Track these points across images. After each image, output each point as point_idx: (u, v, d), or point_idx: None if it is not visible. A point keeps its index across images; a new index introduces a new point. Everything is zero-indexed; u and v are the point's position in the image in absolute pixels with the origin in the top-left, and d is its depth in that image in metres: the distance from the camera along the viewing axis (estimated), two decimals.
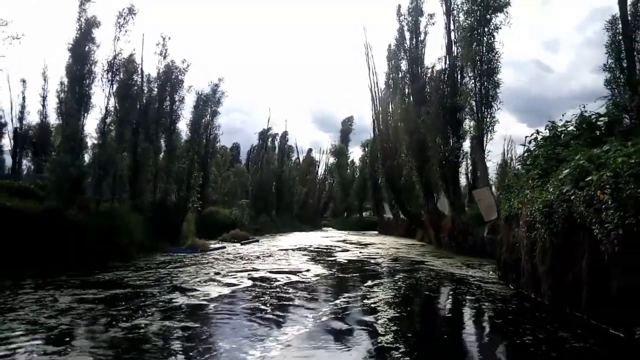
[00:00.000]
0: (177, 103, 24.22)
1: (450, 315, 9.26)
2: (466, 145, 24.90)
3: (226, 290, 10.58)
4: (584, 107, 11.61)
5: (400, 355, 5.98)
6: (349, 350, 6.23)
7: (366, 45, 36.86)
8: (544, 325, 7.62)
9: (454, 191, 23.62)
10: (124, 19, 19.24)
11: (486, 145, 19.21)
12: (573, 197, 7.70)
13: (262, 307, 8.79)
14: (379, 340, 6.68)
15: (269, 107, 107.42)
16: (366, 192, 58.12)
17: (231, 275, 13.14)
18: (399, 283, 12.49)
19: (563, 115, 15.65)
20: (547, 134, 12.02)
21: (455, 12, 22.72)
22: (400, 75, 30.54)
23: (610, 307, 7.04)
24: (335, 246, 27.08)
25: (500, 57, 18.32)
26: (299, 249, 23.71)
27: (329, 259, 19.21)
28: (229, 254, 20.32)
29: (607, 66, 16.79)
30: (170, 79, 23.71)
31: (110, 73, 18.93)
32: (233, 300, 9.62)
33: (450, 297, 10.97)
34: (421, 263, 17.95)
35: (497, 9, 18.02)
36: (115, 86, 19.49)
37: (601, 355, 6.17)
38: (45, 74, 31.87)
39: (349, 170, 69.28)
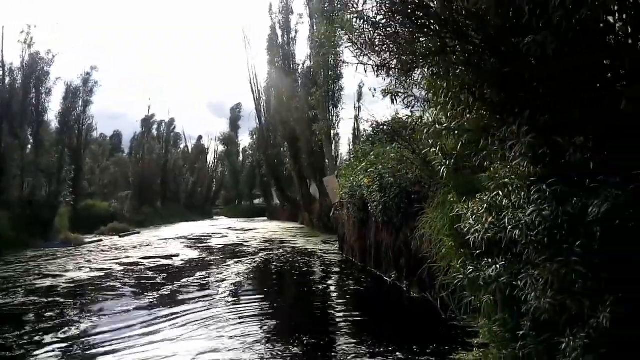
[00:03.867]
0: (43, 95, 23.85)
1: (281, 276, 11.70)
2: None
3: (94, 274, 11.88)
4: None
5: (224, 304, 8.12)
6: (184, 309, 8.14)
7: (245, 39, 38.21)
8: (342, 277, 10.37)
9: (321, 178, 26.52)
10: None
11: (334, 138, 22.32)
12: (362, 183, 10.46)
13: (122, 286, 10.37)
14: (214, 298, 8.75)
15: (151, 92, 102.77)
16: (256, 180, 59.93)
17: (102, 263, 14.28)
18: (257, 260, 14.70)
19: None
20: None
21: (317, 15, 25.29)
22: (274, 69, 32.64)
23: (382, 261, 9.92)
24: (217, 233, 28.64)
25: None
26: (180, 238, 24.86)
27: (205, 245, 20.85)
28: (105, 246, 20.93)
29: None
30: (35, 71, 23.29)
31: None
32: (99, 281, 11.00)
33: (291, 265, 13.41)
34: (287, 242, 20.46)
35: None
36: None
37: (361, 289, 8.96)
38: None
39: (241, 158, 70.20)
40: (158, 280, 10.99)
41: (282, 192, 39.15)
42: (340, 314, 7.45)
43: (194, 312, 7.50)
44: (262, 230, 30.66)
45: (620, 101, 2.98)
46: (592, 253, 3.78)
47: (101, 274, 12.10)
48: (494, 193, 3.71)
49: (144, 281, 10.85)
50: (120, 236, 26.11)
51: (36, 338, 6.30)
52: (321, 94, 20.76)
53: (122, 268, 13.21)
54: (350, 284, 9.58)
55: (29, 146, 23.54)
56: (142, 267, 13.38)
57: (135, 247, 19.84)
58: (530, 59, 3.38)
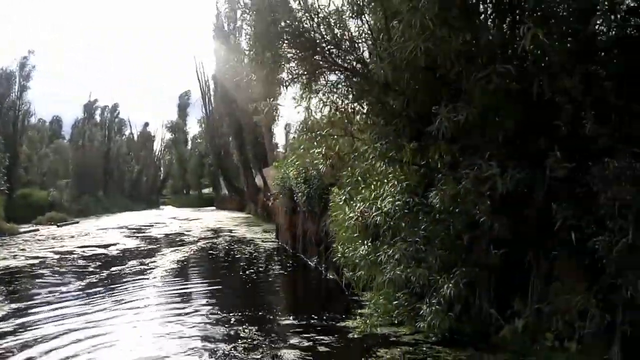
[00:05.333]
0: None
1: (213, 263, 12.34)
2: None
3: (26, 262, 11.98)
4: None
5: (153, 289, 8.67)
6: (112, 294, 8.57)
7: (191, 30, 37.87)
8: (271, 263, 11.15)
9: (265, 168, 27.11)
10: None
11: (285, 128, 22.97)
12: (291, 175, 11.23)
13: (52, 273, 10.61)
14: (144, 283, 9.25)
15: (93, 75, 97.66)
16: (204, 169, 59.41)
17: (36, 252, 14.26)
18: (194, 248, 15.16)
19: None
20: None
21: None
22: (220, 58, 32.62)
23: (308, 247, 10.78)
24: (160, 222, 28.61)
25: None
26: (120, 228, 24.70)
27: (145, 234, 20.92)
28: (41, 235, 20.58)
29: None
30: None
31: None
32: (29, 269, 11.15)
33: (226, 253, 14.03)
34: (229, 231, 20.96)
35: None
36: None
37: (285, 273, 9.79)
38: None
39: (190, 146, 68.89)
40: (90, 269, 11.25)
41: (229, 182, 39.39)
42: (255, 293, 8.22)
43: (120, 296, 8.01)
44: (207, 219, 30.82)
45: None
46: (435, 235, 4.74)
47: (34, 262, 12.19)
48: (349, 188, 4.58)
49: (75, 269, 11.12)
50: (58, 226, 25.58)
51: None
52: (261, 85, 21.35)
53: (56, 257, 13.31)
54: (277, 268, 10.39)
55: None
56: (76, 255, 13.53)
57: (72, 237, 19.67)
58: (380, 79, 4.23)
